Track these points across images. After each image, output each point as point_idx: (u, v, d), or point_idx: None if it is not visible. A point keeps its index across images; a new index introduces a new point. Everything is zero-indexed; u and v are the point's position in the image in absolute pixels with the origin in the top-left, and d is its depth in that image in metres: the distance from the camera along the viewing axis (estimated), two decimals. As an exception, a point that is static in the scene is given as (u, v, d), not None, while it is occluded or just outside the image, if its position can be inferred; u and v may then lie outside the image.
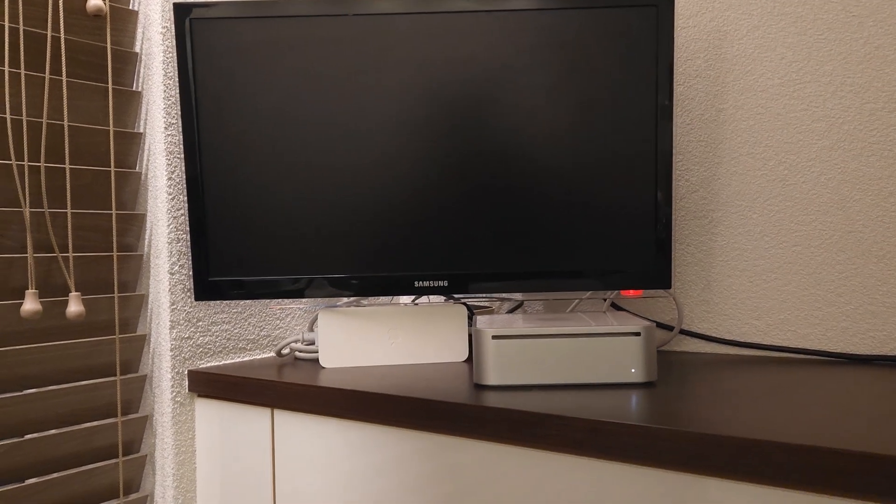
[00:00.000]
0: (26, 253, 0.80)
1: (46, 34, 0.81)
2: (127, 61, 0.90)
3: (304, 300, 1.07)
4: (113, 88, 0.88)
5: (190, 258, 0.91)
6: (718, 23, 0.94)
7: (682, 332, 0.96)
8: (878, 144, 0.84)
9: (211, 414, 0.90)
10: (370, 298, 1.11)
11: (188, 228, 0.91)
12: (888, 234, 0.83)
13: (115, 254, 0.88)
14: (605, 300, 1.01)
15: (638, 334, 0.73)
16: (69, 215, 0.83)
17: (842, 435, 0.53)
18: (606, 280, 0.86)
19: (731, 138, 0.93)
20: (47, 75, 0.81)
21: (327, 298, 0.86)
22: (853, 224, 0.85)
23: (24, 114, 0.79)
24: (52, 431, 0.82)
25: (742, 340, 0.93)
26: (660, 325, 0.98)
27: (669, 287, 0.85)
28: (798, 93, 0.88)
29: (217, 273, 0.87)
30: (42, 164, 0.81)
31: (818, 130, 0.87)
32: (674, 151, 0.97)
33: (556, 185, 0.85)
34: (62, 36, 0.82)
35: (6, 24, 0.78)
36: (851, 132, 0.85)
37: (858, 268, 0.85)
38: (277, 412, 0.83)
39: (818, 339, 0.88)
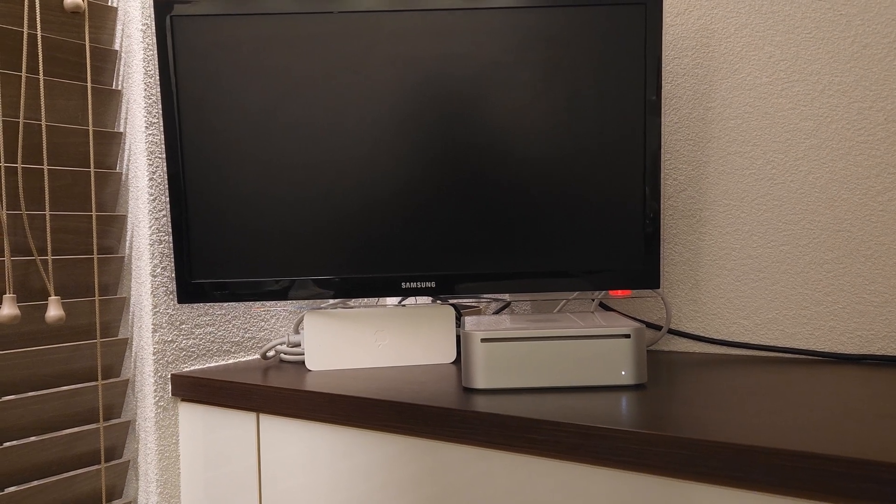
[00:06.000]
0: (3, 256, 0.78)
1: (23, 31, 0.79)
2: (106, 59, 0.88)
3: (288, 301, 1.05)
4: (92, 87, 0.86)
5: (172, 260, 0.90)
6: (706, 21, 0.93)
7: (671, 331, 0.96)
8: (865, 143, 0.84)
9: (195, 418, 0.89)
10: (356, 300, 1.09)
11: (170, 230, 0.89)
12: (876, 233, 0.83)
13: (95, 256, 0.86)
14: (593, 300, 1.01)
15: (628, 336, 0.72)
16: (48, 217, 0.81)
17: (833, 439, 0.53)
18: (594, 280, 0.85)
19: (718, 137, 0.93)
20: (24, 74, 0.79)
21: (313, 300, 0.85)
22: (841, 223, 0.85)
23: (-1, 114, 0.77)
24: (33, 438, 0.80)
25: (730, 340, 0.92)
26: (648, 325, 0.98)
27: (658, 287, 0.85)
28: (786, 91, 0.88)
29: (200, 275, 0.86)
30: (19, 165, 0.79)
31: (806, 129, 0.87)
32: (662, 150, 0.96)
33: (544, 184, 0.84)
34: (39, 33, 0.80)
35: (-20, 21, 0.76)
36: (839, 131, 0.85)
37: (846, 267, 0.85)
38: (263, 416, 0.82)
39: (806, 338, 0.88)
